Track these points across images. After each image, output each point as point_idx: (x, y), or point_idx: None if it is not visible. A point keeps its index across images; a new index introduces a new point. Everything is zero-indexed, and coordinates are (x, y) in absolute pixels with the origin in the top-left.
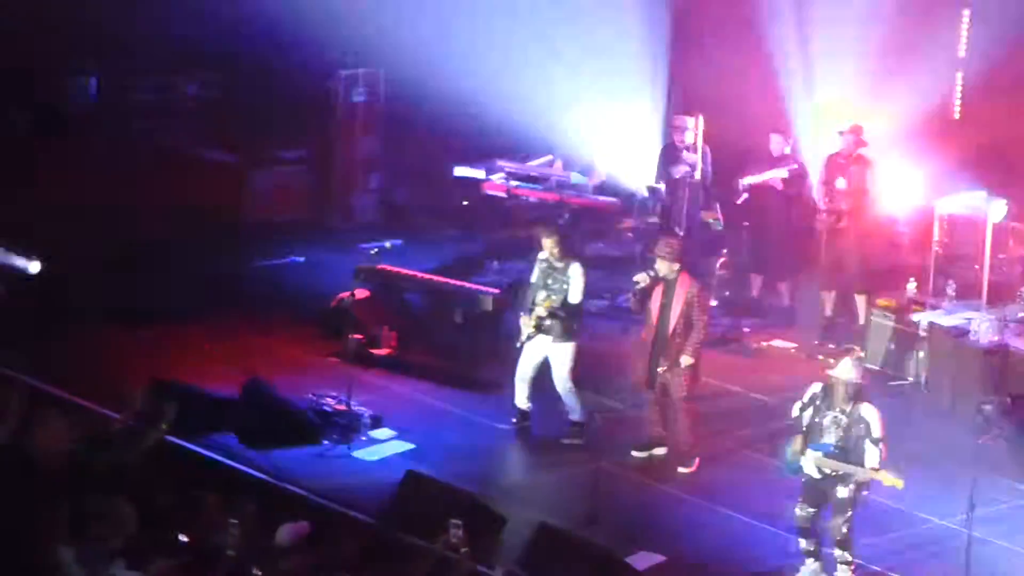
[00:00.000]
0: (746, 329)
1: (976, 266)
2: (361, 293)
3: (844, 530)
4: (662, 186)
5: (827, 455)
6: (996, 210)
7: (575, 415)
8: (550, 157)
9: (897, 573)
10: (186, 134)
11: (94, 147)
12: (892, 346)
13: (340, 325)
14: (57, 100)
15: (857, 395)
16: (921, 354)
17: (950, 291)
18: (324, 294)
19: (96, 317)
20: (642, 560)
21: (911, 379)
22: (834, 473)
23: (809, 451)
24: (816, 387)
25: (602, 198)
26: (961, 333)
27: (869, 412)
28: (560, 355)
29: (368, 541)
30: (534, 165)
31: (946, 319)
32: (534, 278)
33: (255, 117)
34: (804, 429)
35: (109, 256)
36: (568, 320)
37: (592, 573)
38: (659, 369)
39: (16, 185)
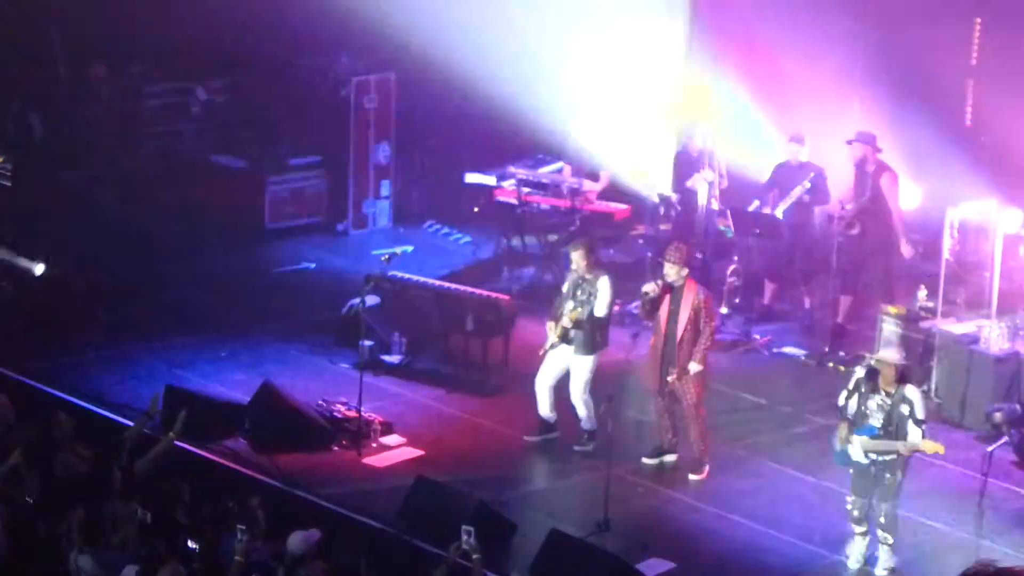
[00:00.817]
0: (756, 336)
1: (987, 274)
2: (372, 299)
3: (892, 514)
4: (674, 195)
5: (872, 437)
6: (1011, 220)
7: (586, 424)
8: (561, 164)
9: None
10: (197, 140)
11: (106, 153)
12: (903, 354)
13: (351, 331)
14: (70, 105)
15: (902, 377)
16: (932, 362)
17: (960, 299)
18: (336, 301)
19: (110, 323)
20: (653, 567)
21: (922, 387)
22: (881, 458)
23: (855, 437)
24: (859, 372)
25: (613, 205)
26: (971, 341)
27: (912, 393)
28: (580, 366)
29: (379, 548)
30: (546, 172)
31: (957, 327)
32: (564, 288)
33: (267, 123)
34: (850, 416)
35: (122, 263)
36: (592, 332)
37: None
38: (668, 377)
39: (30, 188)
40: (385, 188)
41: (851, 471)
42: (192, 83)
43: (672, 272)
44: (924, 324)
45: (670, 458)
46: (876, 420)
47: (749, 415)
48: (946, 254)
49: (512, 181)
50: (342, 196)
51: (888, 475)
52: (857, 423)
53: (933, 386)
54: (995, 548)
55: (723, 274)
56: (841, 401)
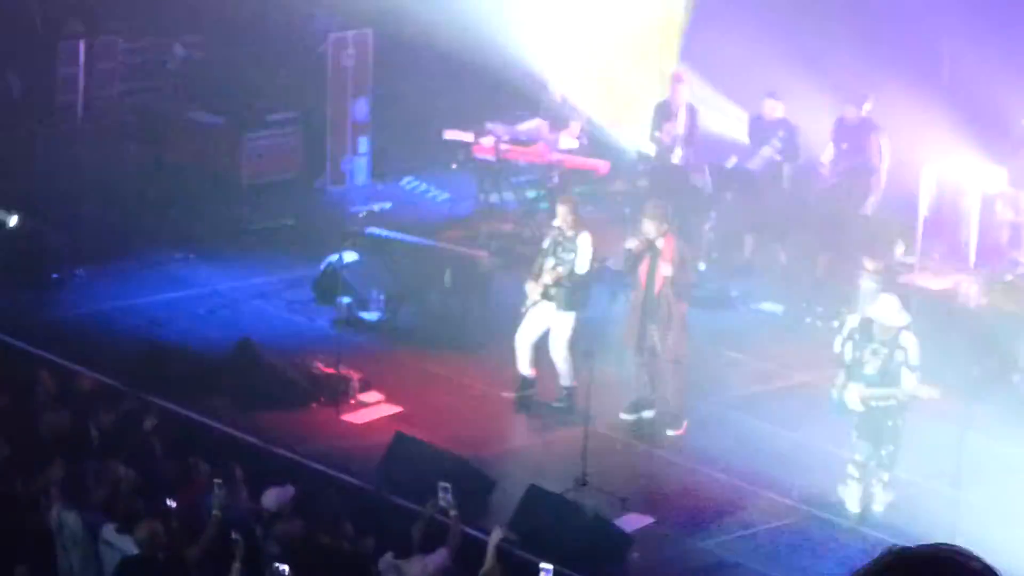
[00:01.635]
0: (734, 292)
1: (964, 229)
2: (350, 256)
3: (892, 454)
4: (653, 148)
5: (869, 385)
6: (991, 179)
7: (565, 380)
8: (539, 121)
9: (881, 532)
10: (174, 97)
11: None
12: None
13: (329, 288)
14: (47, 65)
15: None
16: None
17: (938, 254)
18: (314, 257)
19: (88, 280)
20: (631, 522)
21: None
22: (879, 404)
23: (851, 385)
24: (854, 320)
25: (593, 160)
26: (949, 296)
27: (908, 339)
28: (561, 323)
29: (358, 505)
30: (523, 128)
31: (934, 282)
32: (545, 244)
33: (244, 80)
34: (847, 363)
35: (99, 220)
36: (573, 289)
37: (581, 535)
38: (649, 332)
39: (7, 145)
40: (363, 145)
41: (853, 419)
42: (169, 40)
43: (651, 228)
44: (902, 279)
45: (648, 413)
46: (872, 368)
47: (727, 370)
48: (923, 210)
49: (490, 137)
50: (320, 152)
51: (890, 421)
52: (853, 371)
53: None
54: (972, 501)
55: (700, 229)
56: (836, 348)
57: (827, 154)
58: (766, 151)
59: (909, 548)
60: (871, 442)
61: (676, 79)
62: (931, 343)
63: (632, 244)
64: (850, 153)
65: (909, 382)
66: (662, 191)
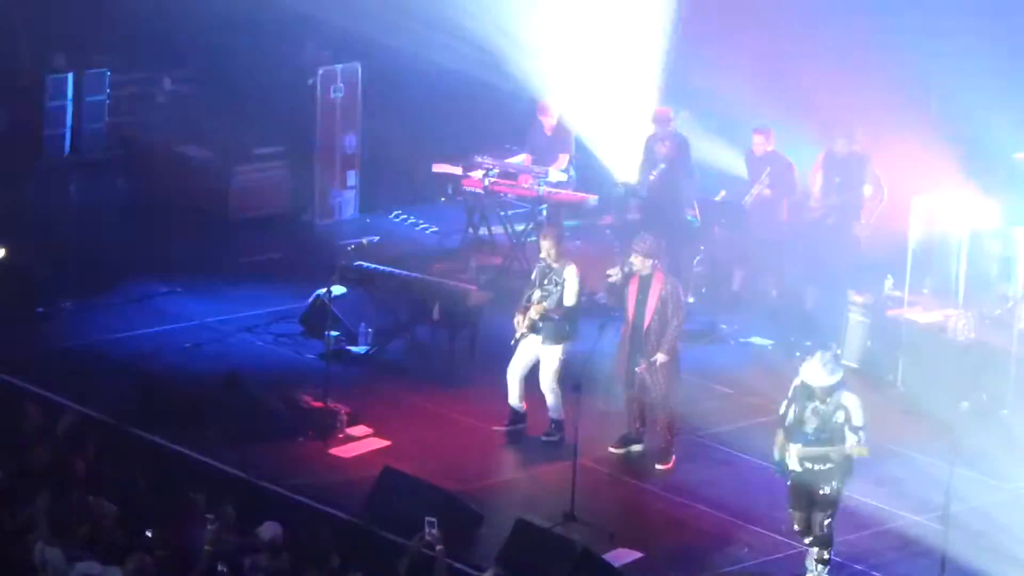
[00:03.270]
0: (723, 326)
1: (953, 263)
2: (338, 290)
3: (824, 527)
4: (638, 182)
5: (806, 444)
6: (982, 213)
7: (554, 414)
8: (527, 155)
9: (874, 570)
10: (163, 130)
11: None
12: (869, 343)
13: (317, 322)
14: (34, 97)
15: (837, 386)
16: (898, 351)
17: (927, 288)
18: (302, 291)
19: (74, 314)
20: (620, 557)
21: (888, 376)
22: (816, 468)
23: (791, 445)
24: (797, 381)
25: (580, 194)
26: (938, 330)
27: (849, 400)
28: (549, 356)
29: (346, 539)
30: (512, 161)
31: (923, 316)
32: (533, 276)
33: (233, 113)
34: (786, 424)
35: (86, 254)
36: (561, 322)
37: (570, 570)
38: (636, 368)
39: None
40: (351, 178)
41: (788, 483)
42: (158, 73)
43: (638, 262)
44: (891, 313)
45: (637, 448)
46: (810, 427)
47: (715, 404)
48: (912, 243)
49: (479, 171)
50: (308, 186)
51: (824, 487)
52: (792, 431)
53: (900, 375)
54: (961, 537)
55: (689, 263)
56: (781, 410)
57: (817, 187)
58: (755, 188)
59: None
60: (803, 511)
61: (663, 116)
62: (920, 377)
63: (613, 272)
64: (840, 186)
65: (849, 442)
66: (654, 225)
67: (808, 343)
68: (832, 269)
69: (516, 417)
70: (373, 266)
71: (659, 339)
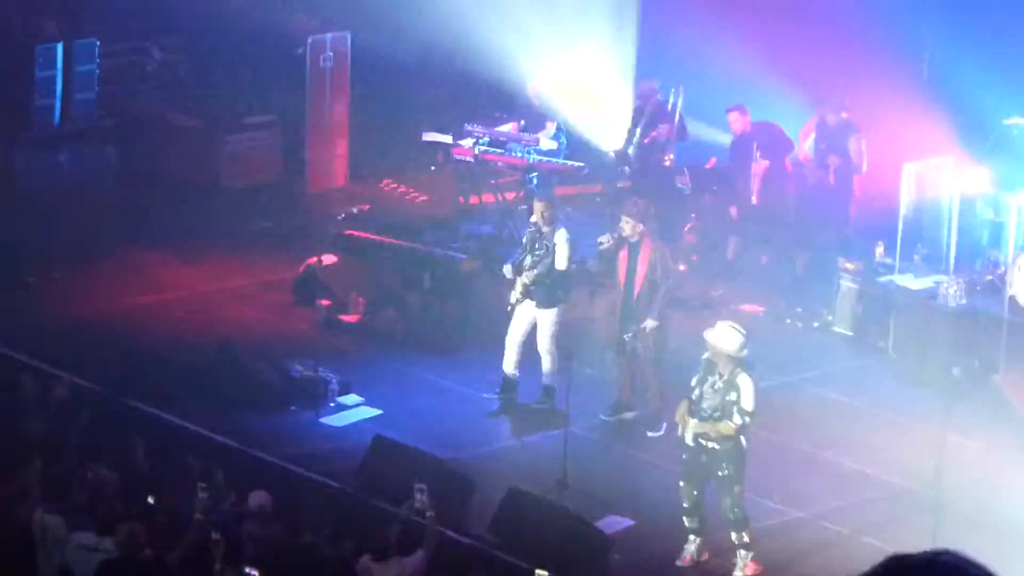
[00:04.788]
0: (714, 293)
1: (944, 230)
2: (329, 259)
3: (736, 510)
4: (631, 151)
5: (701, 420)
6: (973, 180)
7: (547, 379)
8: (517, 123)
9: (864, 534)
10: (153, 100)
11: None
12: (860, 309)
13: (309, 291)
14: (23, 67)
15: (736, 363)
16: (889, 318)
17: (918, 255)
18: (292, 260)
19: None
20: (611, 524)
21: (880, 343)
22: (711, 444)
23: (690, 420)
24: (705, 354)
25: (570, 162)
26: (929, 296)
27: (743, 381)
28: (544, 320)
29: (337, 507)
30: (502, 130)
31: (914, 282)
32: (524, 240)
33: (222, 82)
34: (692, 397)
35: (77, 224)
36: (553, 286)
37: (562, 537)
38: (626, 334)
39: None
40: (341, 147)
41: (683, 456)
42: (148, 43)
43: (628, 227)
44: (882, 280)
45: (628, 415)
46: (708, 403)
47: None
48: (903, 209)
49: (469, 139)
50: (298, 155)
51: (723, 468)
52: (695, 405)
53: (891, 341)
54: (949, 499)
55: (679, 232)
56: (692, 382)
57: (808, 155)
58: (755, 167)
59: (910, 554)
60: (693, 487)
61: (647, 91)
62: (911, 343)
63: (604, 239)
64: (830, 154)
65: (736, 421)
66: (646, 193)
67: (799, 310)
68: (823, 236)
69: (508, 384)
70: (363, 235)
71: (648, 305)
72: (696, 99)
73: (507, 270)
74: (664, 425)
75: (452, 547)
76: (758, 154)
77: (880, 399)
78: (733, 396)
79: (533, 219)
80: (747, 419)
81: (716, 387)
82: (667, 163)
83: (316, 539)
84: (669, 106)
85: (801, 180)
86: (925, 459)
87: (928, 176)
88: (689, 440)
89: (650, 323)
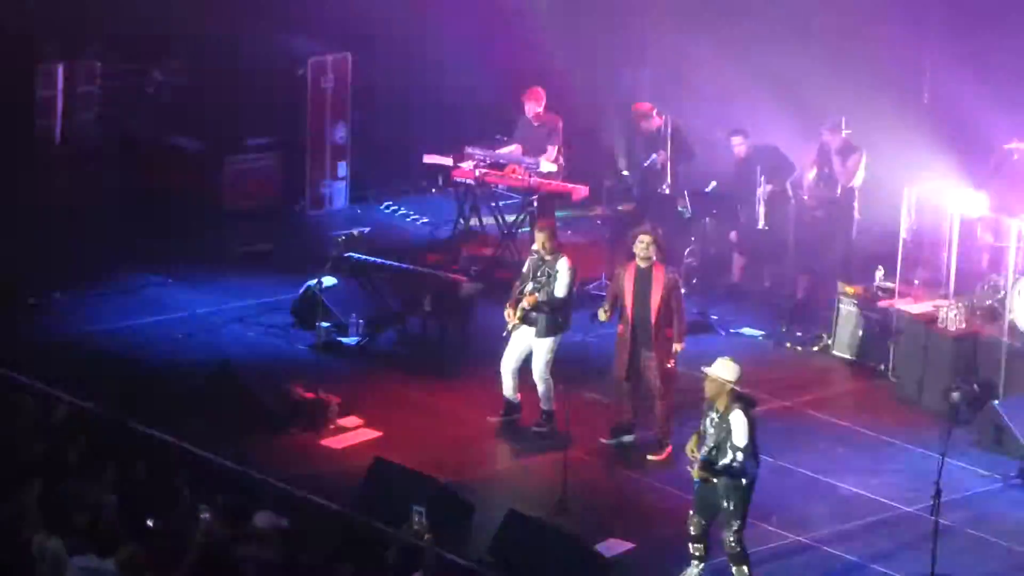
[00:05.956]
0: (714, 316)
1: (944, 254)
2: (328, 281)
3: (733, 544)
4: (626, 173)
5: (704, 459)
6: (971, 203)
7: (545, 404)
8: (517, 145)
9: (863, 559)
10: (154, 122)
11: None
12: (860, 333)
13: (308, 313)
14: (24, 88)
15: (731, 397)
16: (890, 342)
17: (917, 279)
18: (293, 282)
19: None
20: (611, 547)
21: (880, 366)
22: (712, 482)
23: (697, 454)
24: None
25: (571, 184)
26: (929, 321)
27: (736, 418)
28: (541, 348)
29: (336, 529)
30: (502, 152)
31: (914, 306)
32: (525, 268)
33: (224, 104)
34: (701, 431)
35: (78, 246)
36: (552, 314)
37: (561, 561)
38: (641, 361)
39: None
40: (342, 168)
41: (695, 487)
42: (148, 64)
43: (642, 252)
44: (882, 304)
45: (628, 438)
46: (710, 439)
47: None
48: (903, 233)
49: (470, 162)
50: (299, 176)
51: (724, 502)
52: (701, 439)
53: (891, 365)
54: (954, 531)
55: (680, 255)
56: (703, 417)
57: (808, 177)
58: (759, 190)
59: None
60: (700, 517)
61: (643, 112)
62: (911, 368)
63: (600, 314)
64: (831, 176)
65: (724, 460)
66: (651, 217)
67: (799, 333)
68: (824, 260)
69: (511, 408)
70: (364, 257)
71: (667, 331)
72: (693, 121)
73: (508, 312)
74: (668, 448)
75: (451, 570)
76: (763, 178)
77: (880, 423)
78: (725, 434)
79: (535, 247)
80: (739, 455)
81: (714, 423)
82: (665, 190)
83: (314, 561)
84: (668, 130)
85: (801, 203)
86: (925, 484)
87: (928, 199)
88: (696, 476)
89: (678, 347)
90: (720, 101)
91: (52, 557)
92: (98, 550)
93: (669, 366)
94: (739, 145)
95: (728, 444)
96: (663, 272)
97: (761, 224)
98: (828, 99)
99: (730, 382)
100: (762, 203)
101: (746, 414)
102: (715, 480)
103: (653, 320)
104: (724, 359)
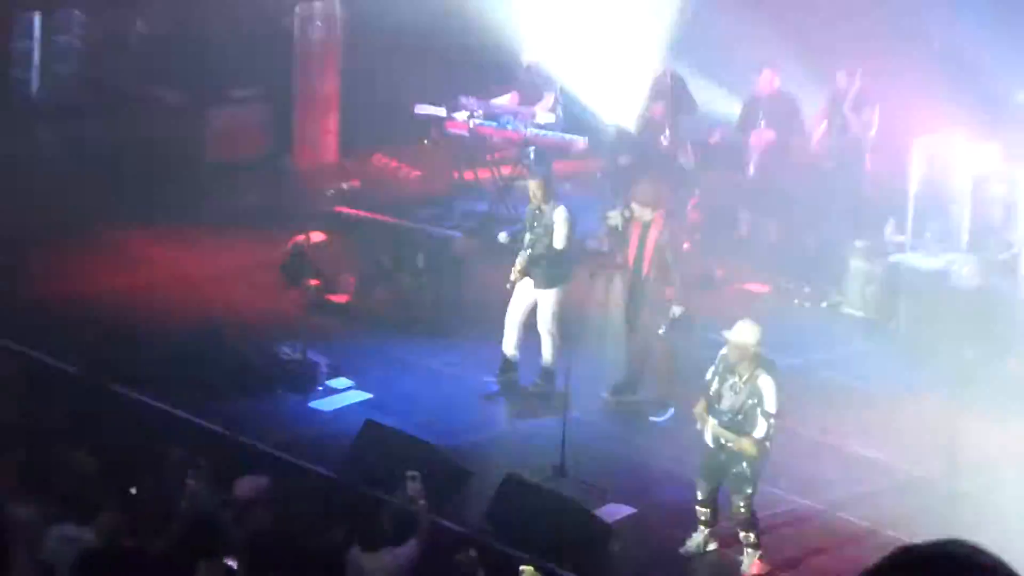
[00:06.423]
0: (718, 271)
1: (957, 208)
2: (317, 237)
3: (743, 510)
4: (636, 125)
5: (721, 424)
6: (983, 156)
7: (547, 360)
8: (513, 95)
9: (874, 524)
10: (135, 72)
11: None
12: (871, 289)
13: (297, 271)
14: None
15: (755, 362)
16: (900, 298)
17: (929, 233)
18: (280, 238)
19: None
20: (612, 512)
21: (890, 323)
22: (727, 443)
23: (709, 419)
24: (724, 350)
25: (568, 137)
26: (942, 276)
27: (765, 383)
28: (544, 301)
29: (327, 494)
30: (497, 102)
31: (926, 261)
32: (525, 217)
33: (207, 55)
34: (710, 393)
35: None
36: (552, 266)
37: (560, 526)
38: (640, 314)
39: None
40: (331, 121)
41: (702, 453)
42: (130, 14)
43: (639, 210)
44: (892, 258)
45: (631, 396)
46: (726, 404)
47: (710, 353)
48: (914, 186)
49: (464, 112)
50: (287, 129)
51: (737, 466)
52: (713, 403)
53: (901, 322)
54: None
55: (683, 209)
56: (708, 375)
57: (819, 130)
58: (768, 132)
59: (919, 545)
60: (709, 482)
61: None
62: (923, 325)
63: (613, 217)
64: (842, 128)
65: (759, 431)
66: (649, 170)
67: (807, 289)
68: (833, 213)
69: (507, 365)
70: (354, 212)
71: (658, 287)
72: (703, 68)
73: (502, 236)
74: (671, 412)
75: (446, 536)
76: (763, 123)
77: (891, 382)
78: (754, 400)
79: (531, 196)
80: (771, 421)
81: (736, 389)
82: (664, 142)
83: (304, 528)
84: (667, 82)
85: (810, 156)
86: (936, 444)
87: (939, 152)
88: (709, 441)
89: (676, 310)
90: (727, 54)
91: (28, 526)
92: (77, 518)
93: (659, 325)
94: (767, 80)
95: (759, 411)
96: (659, 227)
97: (750, 170)
98: (838, 49)
99: (754, 345)
100: (756, 150)
101: (775, 379)
102: (729, 443)
103: (644, 276)
104: (744, 321)
